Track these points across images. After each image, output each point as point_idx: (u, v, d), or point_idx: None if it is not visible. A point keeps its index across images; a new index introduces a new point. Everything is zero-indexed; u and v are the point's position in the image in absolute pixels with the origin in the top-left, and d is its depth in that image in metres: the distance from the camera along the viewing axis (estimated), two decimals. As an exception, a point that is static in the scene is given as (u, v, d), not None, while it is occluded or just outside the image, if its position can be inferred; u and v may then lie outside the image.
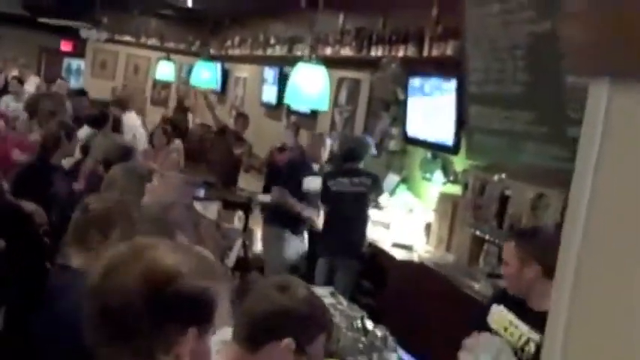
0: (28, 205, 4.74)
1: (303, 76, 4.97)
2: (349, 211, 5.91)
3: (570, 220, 0.96)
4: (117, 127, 6.72)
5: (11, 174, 4.99)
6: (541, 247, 3.06)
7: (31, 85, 10.15)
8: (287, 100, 5.57)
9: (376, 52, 7.42)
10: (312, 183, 6.13)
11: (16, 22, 16.10)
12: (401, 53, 6.87)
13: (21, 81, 9.15)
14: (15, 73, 9.42)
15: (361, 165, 6.12)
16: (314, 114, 9.36)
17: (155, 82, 15.97)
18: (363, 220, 5.97)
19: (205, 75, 11.40)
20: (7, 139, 5.88)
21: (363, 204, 5.96)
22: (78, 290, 1.72)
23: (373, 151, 6.64)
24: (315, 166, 6.28)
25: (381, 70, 7.05)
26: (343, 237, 5.86)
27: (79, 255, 2.73)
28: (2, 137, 5.73)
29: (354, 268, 5.91)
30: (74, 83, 15.69)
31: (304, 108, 7.90)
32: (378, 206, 6.63)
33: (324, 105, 5.34)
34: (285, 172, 6.55)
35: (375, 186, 6.00)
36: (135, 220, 2.79)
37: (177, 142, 8.49)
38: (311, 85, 4.95)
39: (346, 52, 8.14)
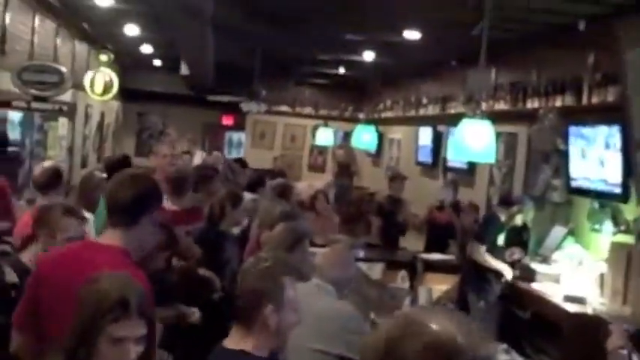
0: (203, 272, 5.00)
1: (468, 131, 5.05)
2: None
3: None
4: (285, 194, 6.96)
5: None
6: None
7: (198, 158, 10.75)
8: (454, 155, 5.75)
9: (532, 104, 7.33)
10: None
11: (182, 101, 17.24)
12: (558, 103, 6.74)
13: (191, 155, 9.78)
14: (184, 148, 10.04)
15: None
16: (471, 170, 9.29)
17: (312, 149, 16.52)
18: None
19: (366, 138, 11.69)
20: None
21: None
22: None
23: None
24: None
25: (538, 122, 6.94)
26: None
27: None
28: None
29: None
30: (235, 155, 16.47)
31: (472, 160, 7.87)
32: (545, 260, 6.48)
33: (491, 158, 5.39)
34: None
35: None
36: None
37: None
38: (477, 140, 5.02)
39: (500, 106, 8.09)
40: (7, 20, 7.69)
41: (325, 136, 13.72)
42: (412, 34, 8.19)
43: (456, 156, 5.65)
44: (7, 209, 5.43)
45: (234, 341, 2.64)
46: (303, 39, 9.66)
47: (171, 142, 9.51)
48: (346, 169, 13.87)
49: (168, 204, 5.77)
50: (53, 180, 4.80)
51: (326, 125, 13.76)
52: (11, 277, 3.31)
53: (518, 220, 6.77)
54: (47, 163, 5.25)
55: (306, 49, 10.96)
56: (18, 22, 8.17)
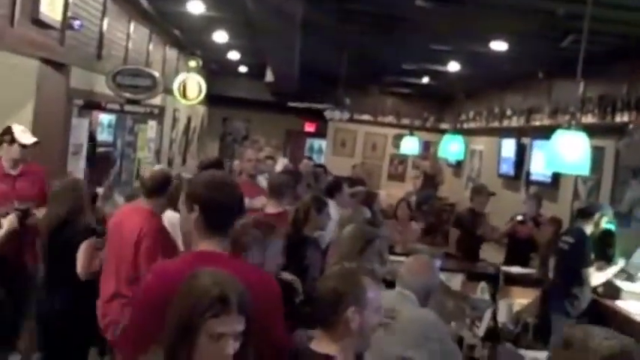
0: (287, 276, 5.07)
1: (562, 142, 5.05)
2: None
3: None
4: (368, 201, 7.04)
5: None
6: None
7: (280, 165, 10.89)
8: (545, 166, 5.86)
9: (621, 117, 7.18)
10: None
11: (265, 107, 17.52)
12: (650, 118, 6.60)
13: (274, 160, 9.93)
14: (266, 153, 10.20)
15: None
16: (555, 184, 9.15)
17: (392, 158, 16.54)
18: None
19: (453, 148, 11.67)
20: None
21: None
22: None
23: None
24: None
25: (627, 136, 6.81)
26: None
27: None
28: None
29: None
30: (317, 161, 16.60)
31: (565, 172, 7.75)
32: (631, 278, 6.35)
33: (585, 170, 5.37)
34: None
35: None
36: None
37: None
38: (572, 151, 5.01)
39: (588, 119, 7.94)
40: (105, 26, 8.01)
41: (410, 145, 13.73)
42: (499, 45, 8.13)
43: (547, 167, 5.69)
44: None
45: (319, 345, 2.71)
46: (390, 48, 9.70)
47: (259, 148, 9.70)
48: (431, 179, 13.84)
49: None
50: (161, 186, 4.83)
51: (412, 134, 13.77)
52: None
53: (604, 224, 6.60)
54: (158, 167, 5.36)
55: (391, 59, 11.00)
56: (114, 29, 8.51)
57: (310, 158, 13.12)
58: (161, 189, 4.80)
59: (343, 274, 2.84)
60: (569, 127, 5.20)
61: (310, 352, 2.68)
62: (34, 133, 5.74)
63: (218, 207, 2.68)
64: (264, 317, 2.45)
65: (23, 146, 5.53)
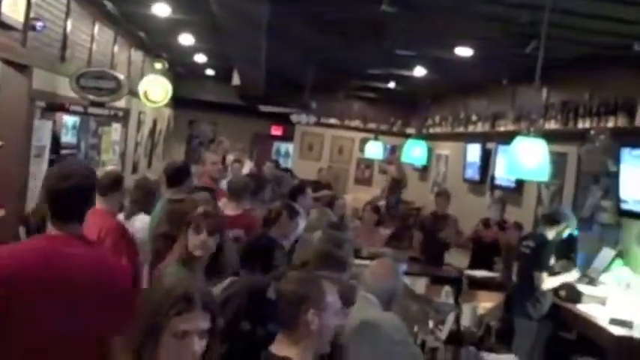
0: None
1: (522, 149, 5.11)
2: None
3: None
4: (332, 205, 7.06)
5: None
6: None
7: (247, 168, 10.88)
8: (506, 172, 5.94)
9: (583, 124, 7.28)
10: None
11: (232, 110, 17.46)
12: (610, 124, 6.69)
13: (241, 164, 9.93)
14: (232, 157, 10.19)
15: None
16: (519, 189, 9.25)
17: (359, 162, 16.59)
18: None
19: (416, 152, 11.81)
20: None
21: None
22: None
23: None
24: None
25: (589, 142, 6.90)
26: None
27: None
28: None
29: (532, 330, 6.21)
30: (283, 165, 16.60)
31: (524, 178, 7.84)
32: (592, 282, 6.43)
33: (544, 176, 5.43)
34: None
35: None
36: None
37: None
38: (531, 157, 5.07)
39: (551, 125, 8.05)
40: (69, 28, 7.93)
41: (374, 150, 13.81)
42: (464, 51, 8.21)
43: (508, 173, 5.81)
44: None
45: (279, 348, 2.72)
46: (356, 53, 9.73)
47: (224, 150, 9.66)
48: (398, 184, 13.93)
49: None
50: (113, 184, 4.89)
51: (376, 139, 13.84)
52: None
53: (565, 234, 6.70)
54: (109, 168, 5.40)
55: (357, 63, 11.04)
56: (78, 30, 8.42)
57: (276, 162, 13.12)
58: (113, 188, 4.86)
59: (303, 278, 2.86)
60: (528, 134, 5.26)
61: (269, 355, 2.69)
62: (-5, 135, 5.67)
63: (56, 196, 2.81)
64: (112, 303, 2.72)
65: None
